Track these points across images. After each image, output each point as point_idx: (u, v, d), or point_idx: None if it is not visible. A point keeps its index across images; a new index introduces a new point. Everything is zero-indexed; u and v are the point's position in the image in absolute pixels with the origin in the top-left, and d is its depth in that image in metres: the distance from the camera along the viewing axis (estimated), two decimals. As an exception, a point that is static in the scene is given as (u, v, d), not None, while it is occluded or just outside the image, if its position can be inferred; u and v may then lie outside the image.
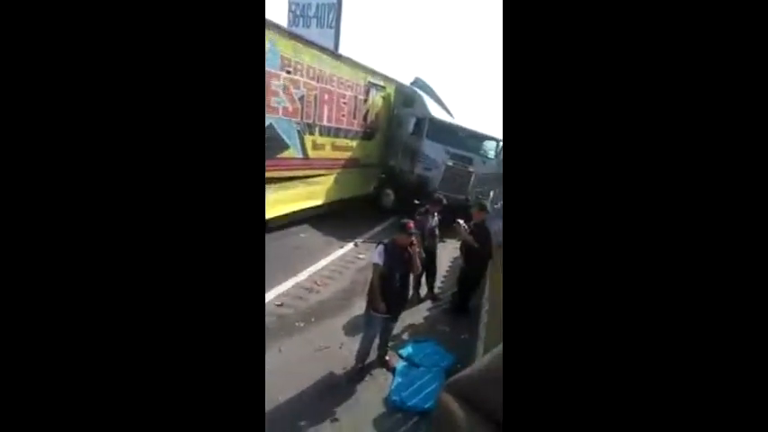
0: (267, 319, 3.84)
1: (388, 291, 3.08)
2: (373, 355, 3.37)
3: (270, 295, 4.31)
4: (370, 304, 3.10)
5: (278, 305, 4.13)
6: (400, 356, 3.59)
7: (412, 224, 3.14)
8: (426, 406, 2.93)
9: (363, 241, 6.73)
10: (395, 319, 3.33)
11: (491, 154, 9.49)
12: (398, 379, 3.24)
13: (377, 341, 3.31)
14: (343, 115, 7.91)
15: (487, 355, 0.96)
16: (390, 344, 3.76)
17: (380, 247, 3.08)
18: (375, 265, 3.05)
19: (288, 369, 3.13)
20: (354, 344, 3.36)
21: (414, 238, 3.15)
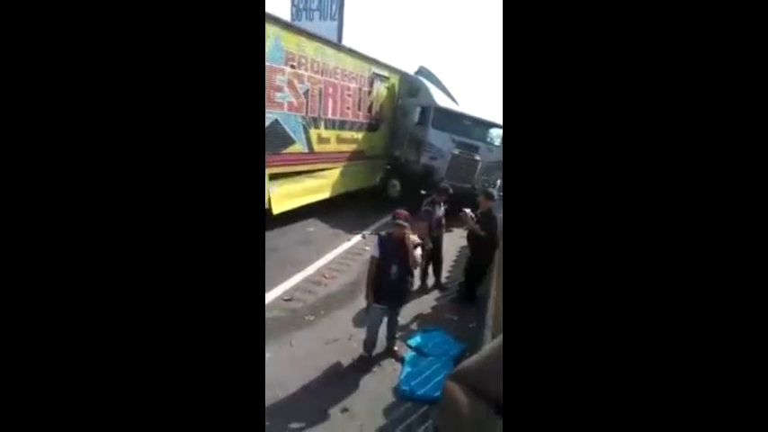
0: (277, 313, 3.91)
1: (384, 282, 3.11)
2: (382, 347, 3.42)
3: (279, 290, 4.38)
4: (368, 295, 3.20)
5: (287, 300, 4.20)
6: (409, 346, 3.64)
7: (404, 214, 3.09)
8: (436, 395, 2.97)
9: (371, 233, 6.76)
10: (394, 310, 3.32)
11: (497, 142, 9.41)
12: (407, 369, 3.29)
13: (384, 331, 3.35)
14: (348, 108, 7.91)
15: (493, 342, 0.98)
16: (399, 334, 3.80)
17: (376, 239, 3.14)
18: (372, 257, 3.14)
19: (298, 362, 3.19)
20: (363, 335, 3.40)
21: (407, 230, 3.06)
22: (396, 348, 3.47)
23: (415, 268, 3.18)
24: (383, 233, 3.19)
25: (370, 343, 3.29)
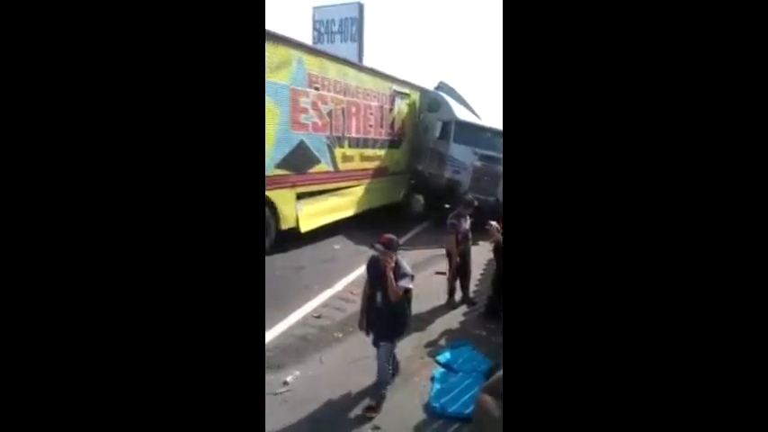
0: (308, 330, 3.97)
1: (370, 310, 2.93)
2: (415, 363, 3.39)
3: (308, 307, 4.46)
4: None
5: (316, 317, 4.26)
6: (438, 363, 3.61)
7: (386, 238, 2.77)
8: (467, 412, 2.93)
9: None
10: (384, 342, 2.92)
11: (521, 152, 9.31)
12: (437, 385, 3.26)
13: (408, 351, 3.28)
14: (371, 125, 8.05)
15: None
16: (427, 350, 3.78)
17: (368, 262, 2.96)
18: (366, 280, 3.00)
19: (328, 379, 3.22)
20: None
21: (387, 257, 2.70)
22: (372, 404, 2.92)
23: (395, 299, 2.75)
24: (374, 255, 2.87)
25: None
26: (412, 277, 2.85)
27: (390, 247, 2.74)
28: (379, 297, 2.83)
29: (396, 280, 2.71)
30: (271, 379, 3.17)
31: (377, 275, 2.81)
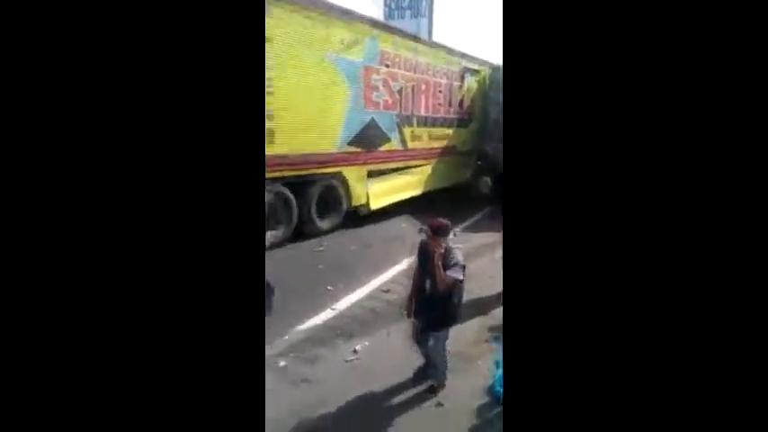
0: (375, 303, 4.14)
1: (420, 296, 2.78)
2: (479, 347, 3.40)
3: (376, 282, 4.63)
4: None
5: (385, 291, 4.41)
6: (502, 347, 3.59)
7: (437, 223, 2.54)
8: (532, 397, 2.90)
9: (462, 230, 6.74)
10: (432, 332, 2.77)
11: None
12: (501, 370, 3.25)
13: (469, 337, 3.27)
14: (440, 104, 7.93)
15: None
16: (492, 334, 3.76)
17: (419, 246, 2.77)
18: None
19: (394, 354, 3.32)
20: (455, 330, 3.35)
21: (434, 242, 2.50)
22: (434, 384, 2.88)
23: (442, 289, 2.56)
24: (425, 239, 2.69)
25: (425, 359, 2.98)
26: (463, 267, 2.59)
27: (439, 232, 2.52)
28: (428, 285, 2.66)
29: (444, 269, 2.50)
30: (341, 346, 3.37)
31: (426, 261, 2.64)
